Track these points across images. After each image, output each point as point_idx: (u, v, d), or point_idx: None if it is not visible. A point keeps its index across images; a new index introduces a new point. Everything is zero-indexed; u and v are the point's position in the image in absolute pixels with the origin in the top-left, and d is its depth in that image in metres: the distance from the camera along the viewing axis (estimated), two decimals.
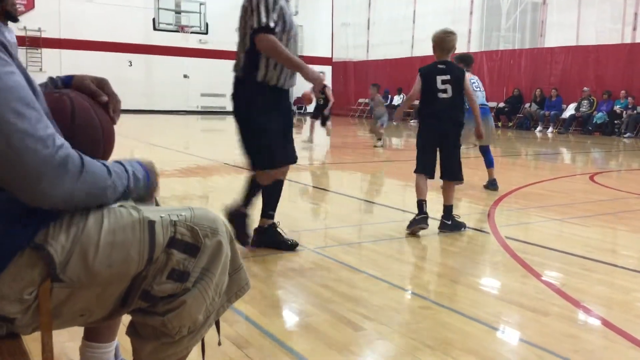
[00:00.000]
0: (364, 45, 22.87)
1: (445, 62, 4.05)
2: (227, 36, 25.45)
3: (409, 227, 3.91)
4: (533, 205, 5.22)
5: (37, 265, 1.15)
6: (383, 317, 2.44)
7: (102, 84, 1.44)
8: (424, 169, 4.07)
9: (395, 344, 2.19)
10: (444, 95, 3.98)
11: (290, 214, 4.73)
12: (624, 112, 14.88)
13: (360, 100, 22.66)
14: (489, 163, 6.11)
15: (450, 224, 4.02)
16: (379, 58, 22.25)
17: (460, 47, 20.04)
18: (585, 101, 15.68)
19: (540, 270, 3.18)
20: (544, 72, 17.08)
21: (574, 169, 8.83)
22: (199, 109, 23.49)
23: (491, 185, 5.98)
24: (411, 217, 3.99)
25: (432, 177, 4.11)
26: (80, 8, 20.30)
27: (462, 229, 4.08)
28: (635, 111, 14.90)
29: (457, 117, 4.07)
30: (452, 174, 4.09)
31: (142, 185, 1.33)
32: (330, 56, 24.57)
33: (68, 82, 1.42)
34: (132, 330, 1.29)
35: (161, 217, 1.26)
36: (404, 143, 12.82)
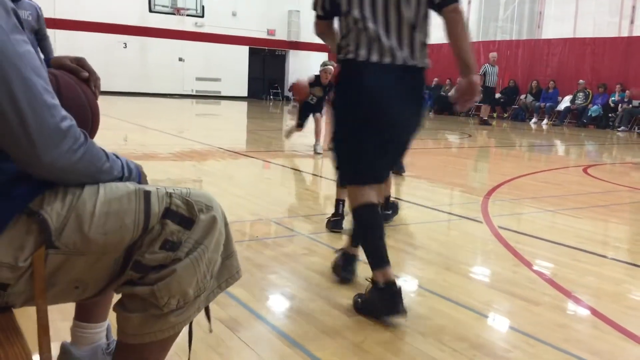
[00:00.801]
0: None
1: None
2: (223, 20, 25.34)
3: (327, 225, 3.70)
4: (526, 196, 5.24)
5: (32, 231, 1.16)
6: None
7: (81, 62, 1.45)
8: None
9: (388, 330, 2.20)
10: None
11: (285, 200, 4.73)
12: (619, 105, 14.93)
13: None
14: None
15: (391, 214, 3.95)
16: None
17: None
18: (581, 94, 15.70)
19: (531, 260, 3.20)
20: (540, 64, 17.10)
21: (568, 161, 8.86)
22: (194, 93, 23.38)
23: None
24: (406, 206, 4.00)
25: None
26: None
27: (397, 210, 4.05)
28: (630, 105, 14.95)
29: None
30: (400, 166, 3.94)
31: (134, 178, 1.34)
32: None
33: (47, 63, 1.42)
34: (119, 305, 1.28)
35: (157, 189, 1.27)
36: None
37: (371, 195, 2.36)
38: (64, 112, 1.14)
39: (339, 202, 3.68)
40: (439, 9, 2.28)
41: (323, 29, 2.56)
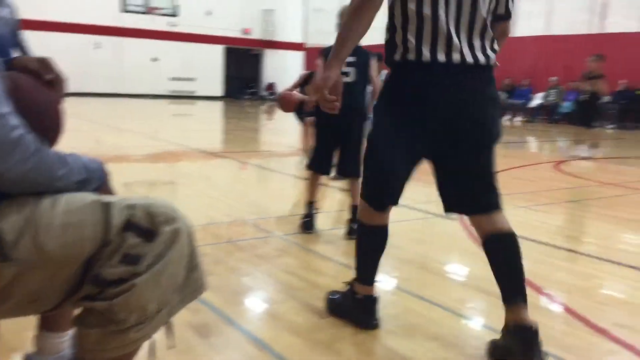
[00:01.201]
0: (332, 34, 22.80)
1: None
2: (197, 19, 25.17)
3: (299, 227, 3.62)
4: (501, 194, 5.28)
5: None
6: None
7: (45, 63, 1.38)
8: (320, 165, 3.65)
9: (361, 330, 2.19)
10: (346, 79, 3.32)
11: (261, 201, 4.70)
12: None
13: None
14: None
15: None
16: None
17: None
18: (553, 90, 15.92)
19: None
20: (513, 61, 17.28)
21: (540, 157, 8.97)
22: (169, 93, 23.16)
23: None
24: None
25: (327, 174, 3.77)
26: None
27: None
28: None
29: (360, 105, 3.57)
30: (357, 171, 3.56)
31: (95, 179, 1.30)
32: (302, 42, 24.43)
33: (8, 64, 1.36)
34: (78, 319, 1.24)
35: (118, 200, 1.24)
36: None
37: (387, 216, 2.15)
38: (14, 121, 1.10)
39: (310, 204, 3.65)
40: (500, 20, 1.95)
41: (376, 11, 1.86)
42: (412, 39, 1.83)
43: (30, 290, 1.19)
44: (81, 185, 1.26)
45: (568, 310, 2.49)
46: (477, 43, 1.86)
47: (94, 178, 1.30)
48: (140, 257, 1.19)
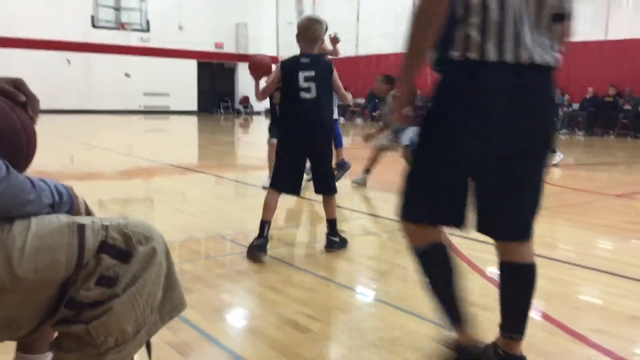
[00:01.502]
0: None
1: (310, 55, 3.39)
2: (169, 34, 25.05)
3: (248, 252, 3.31)
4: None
5: None
6: (330, 318, 2.44)
7: (18, 84, 1.36)
8: (282, 185, 3.45)
9: (342, 344, 2.19)
10: (307, 96, 3.32)
11: (237, 215, 4.67)
12: (560, 108, 15.48)
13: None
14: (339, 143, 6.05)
15: (339, 241, 3.51)
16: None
17: None
18: None
19: (482, 266, 3.25)
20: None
21: None
22: (142, 109, 22.97)
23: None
24: (359, 216, 4.01)
25: (297, 193, 3.58)
26: (13, 4, 19.48)
27: (346, 245, 3.55)
28: (570, 108, 15.52)
29: (324, 120, 3.45)
30: (329, 187, 3.50)
31: (65, 203, 1.28)
32: (275, 54, 24.50)
33: None
34: (55, 344, 1.22)
35: (93, 221, 1.22)
36: (350, 141, 12.89)
37: (439, 232, 1.85)
38: None
39: (264, 224, 3.35)
40: (560, 20, 1.67)
41: (438, 7, 1.59)
42: (475, 33, 1.57)
43: (5, 315, 1.16)
44: (52, 209, 1.23)
45: (546, 316, 2.52)
46: (544, 41, 1.62)
47: (64, 202, 1.28)
48: (117, 278, 1.18)
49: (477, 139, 1.64)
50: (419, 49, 1.65)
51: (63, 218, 1.21)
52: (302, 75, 3.32)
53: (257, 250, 3.27)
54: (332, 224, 3.52)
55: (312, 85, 3.32)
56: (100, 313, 1.16)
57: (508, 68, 1.57)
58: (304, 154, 3.45)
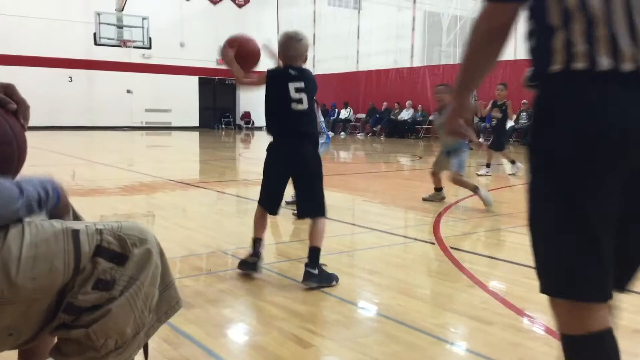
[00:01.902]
0: (310, 60, 23.06)
1: (297, 67, 3.26)
2: (171, 51, 25.18)
3: (239, 266, 3.24)
4: (477, 216, 5.34)
5: None
6: (331, 333, 2.43)
7: (9, 91, 1.36)
8: (270, 202, 3.33)
9: (343, 359, 2.18)
10: (299, 107, 3.17)
11: (238, 230, 4.67)
12: None
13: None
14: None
15: (317, 275, 3.03)
16: (325, 72, 22.52)
17: (404, 62, 20.62)
18: (524, 113, 16.27)
19: (485, 280, 3.25)
20: (484, 86, 17.65)
21: (515, 179, 9.10)
22: (144, 125, 23.06)
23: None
24: (361, 231, 4.01)
25: (275, 213, 3.36)
26: (15, 22, 19.65)
27: (334, 281, 3.09)
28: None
29: (315, 133, 3.40)
30: (317, 208, 3.20)
31: (52, 197, 1.28)
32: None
33: None
34: (55, 349, 1.23)
35: (86, 226, 1.22)
36: (351, 155, 12.91)
37: (604, 316, 1.30)
38: None
39: (256, 241, 3.26)
40: None
41: (509, 18, 1.36)
42: (579, 40, 1.24)
43: (6, 324, 1.17)
44: (43, 204, 1.23)
45: (549, 331, 2.51)
46: None
47: (51, 196, 1.27)
48: (114, 281, 1.19)
49: (606, 173, 1.26)
50: (475, 72, 1.48)
51: (57, 224, 1.21)
52: (292, 86, 3.17)
53: (246, 268, 3.21)
54: (313, 252, 3.08)
55: (304, 96, 3.19)
56: (99, 316, 1.17)
57: (626, 79, 1.22)
58: (291, 169, 3.24)
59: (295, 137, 3.23)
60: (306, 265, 3.06)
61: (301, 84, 3.19)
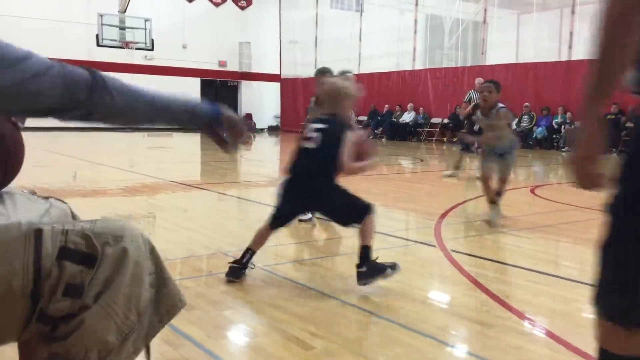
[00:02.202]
0: (312, 62, 23.08)
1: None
2: (173, 52, 25.18)
3: (227, 273, 3.20)
4: (478, 219, 5.34)
5: None
6: (332, 335, 2.43)
7: None
8: (278, 225, 3.36)
9: (346, 359, 2.18)
10: (307, 145, 3.26)
11: (239, 232, 4.67)
12: (562, 127, 15.51)
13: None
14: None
15: (366, 271, 3.07)
16: None
17: (406, 65, 20.61)
18: (526, 116, 16.26)
19: (485, 282, 3.25)
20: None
21: (516, 182, 9.10)
22: (145, 126, 23.08)
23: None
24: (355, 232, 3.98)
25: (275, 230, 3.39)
26: (16, 23, 19.70)
27: (389, 270, 3.12)
28: (572, 126, 15.55)
29: (317, 173, 3.25)
30: (358, 215, 3.15)
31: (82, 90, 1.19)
32: (278, 73, 24.69)
33: None
34: None
35: (53, 226, 1.13)
36: None
37: None
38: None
39: (247, 251, 3.26)
40: None
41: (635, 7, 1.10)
42: None
43: None
44: (99, 89, 1.22)
45: (550, 334, 2.51)
46: None
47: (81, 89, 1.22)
48: (84, 286, 1.09)
49: None
50: (613, 69, 1.18)
51: (24, 226, 1.13)
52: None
53: (229, 275, 3.17)
54: (360, 251, 3.10)
55: (318, 135, 3.22)
56: (75, 327, 1.09)
57: None
58: (301, 203, 3.34)
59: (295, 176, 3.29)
60: (356, 265, 3.10)
61: (323, 124, 3.23)
